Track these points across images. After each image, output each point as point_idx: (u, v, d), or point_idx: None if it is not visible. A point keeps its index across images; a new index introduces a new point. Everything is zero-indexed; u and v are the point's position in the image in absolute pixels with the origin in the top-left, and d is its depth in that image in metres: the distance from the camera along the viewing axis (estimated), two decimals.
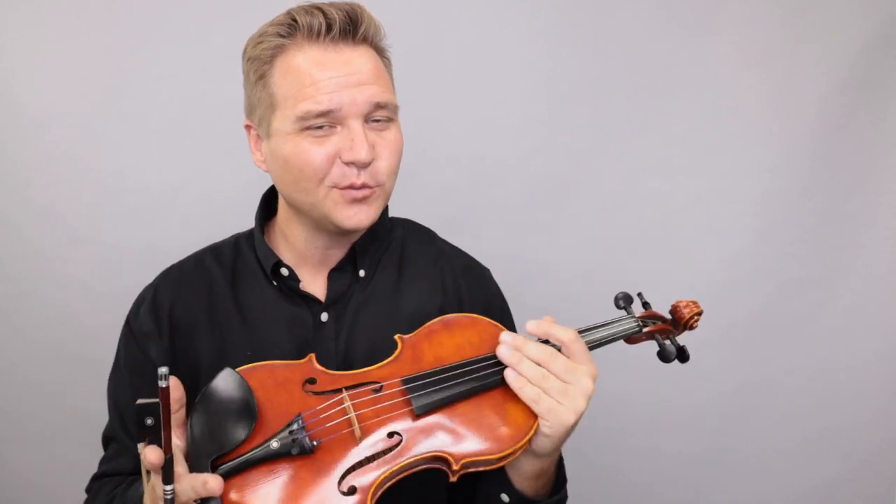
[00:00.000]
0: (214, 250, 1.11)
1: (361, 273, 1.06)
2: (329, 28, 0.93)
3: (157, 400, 0.73)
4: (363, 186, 0.95)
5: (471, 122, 1.77)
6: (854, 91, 1.75)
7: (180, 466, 0.78)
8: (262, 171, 1.04)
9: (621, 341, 1.03)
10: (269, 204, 1.10)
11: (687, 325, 1.06)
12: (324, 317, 1.04)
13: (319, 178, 0.94)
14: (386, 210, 1.11)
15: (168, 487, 0.74)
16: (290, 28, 0.94)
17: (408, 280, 1.09)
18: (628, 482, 1.91)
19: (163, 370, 0.73)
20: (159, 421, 0.74)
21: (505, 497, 0.97)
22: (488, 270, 1.20)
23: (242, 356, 1.00)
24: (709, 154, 1.80)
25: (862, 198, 1.80)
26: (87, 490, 1.09)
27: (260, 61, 0.96)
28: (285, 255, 1.06)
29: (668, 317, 1.07)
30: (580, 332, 0.96)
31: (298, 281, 1.04)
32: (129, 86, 1.67)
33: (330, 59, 0.93)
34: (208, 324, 1.03)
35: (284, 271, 1.03)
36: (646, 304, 1.07)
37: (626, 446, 1.89)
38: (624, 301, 1.04)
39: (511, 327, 1.17)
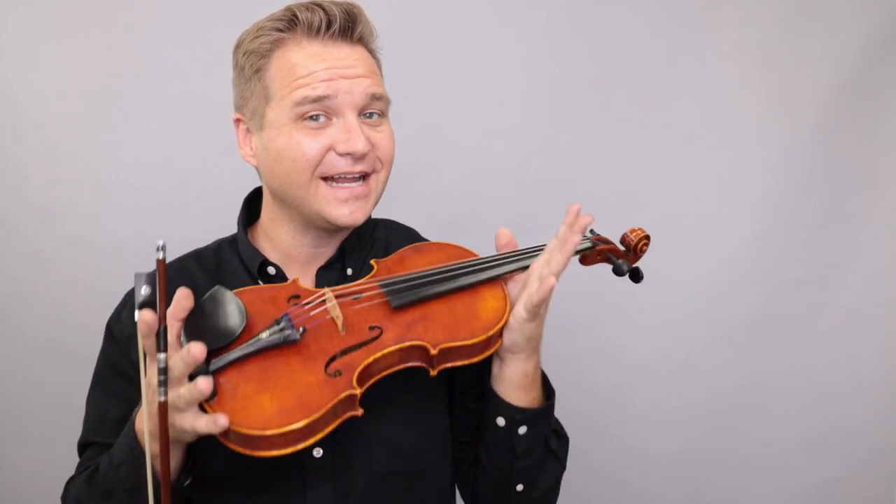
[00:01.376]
0: (197, 256, 1.09)
1: (349, 272, 1.06)
2: (329, 25, 0.94)
3: (154, 269, 0.77)
4: (363, 175, 0.97)
5: (472, 123, 1.77)
6: (854, 91, 1.76)
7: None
8: (253, 169, 1.04)
9: (576, 260, 1.08)
10: (250, 207, 1.09)
11: (636, 249, 1.11)
12: None
13: (312, 170, 0.95)
14: None
15: (161, 355, 0.76)
16: (290, 23, 0.95)
17: None
18: (628, 482, 1.91)
19: (160, 242, 0.77)
20: (155, 289, 0.77)
21: (500, 420, 0.99)
22: None
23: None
24: (708, 154, 1.80)
25: (861, 197, 1.80)
26: (64, 498, 1.08)
27: (257, 55, 0.96)
28: (271, 255, 1.05)
29: (619, 246, 1.13)
30: (537, 248, 1.03)
31: (286, 279, 1.03)
32: (129, 86, 1.68)
33: (328, 53, 0.95)
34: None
35: (271, 270, 1.03)
36: (593, 232, 1.13)
37: (626, 446, 1.89)
38: None
39: None
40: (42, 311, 1.74)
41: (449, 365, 0.90)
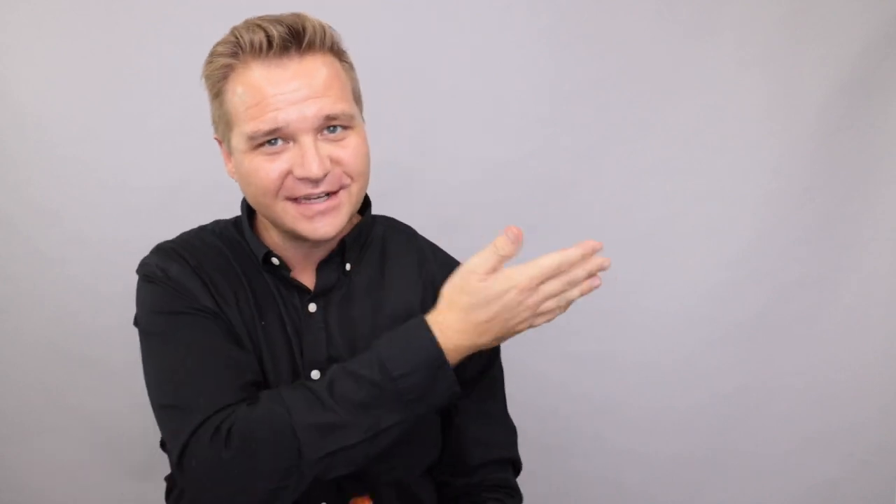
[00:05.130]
0: (212, 231, 1.11)
1: (347, 267, 1.07)
2: (270, 44, 0.92)
3: None
4: (325, 195, 0.96)
5: (472, 123, 1.77)
6: (855, 92, 1.75)
7: None
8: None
9: None
10: None
11: None
12: (312, 307, 1.05)
13: (274, 193, 0.95)
14: (370, 207, 1.12)
15: None
16: (235, 47, 0.94)
17: (390, 277, 1.10)
18: (627, 484, 1.91)
19: None
20: None
21: None
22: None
23: (259, 326, 1.03)
24: (710, 155, 1.80)
25: (863, 198, 1.80)
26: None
27: (212, 80, 0.97)
28: (275, 242, 1.07)
29: None
30: None
31: (289, 270, 1.05)
32: (130, 86, 1.67)
33: (275, 76, 0.92)
34: (232, 288, 1.03)
35: (275, 261, 1.04)
36: None
37: (624, 448, 1.89)
38: None
39: None
40: (42, 312, 1.74)
41: None
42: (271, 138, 0.93)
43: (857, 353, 1.85)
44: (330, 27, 0.97)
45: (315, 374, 1.02)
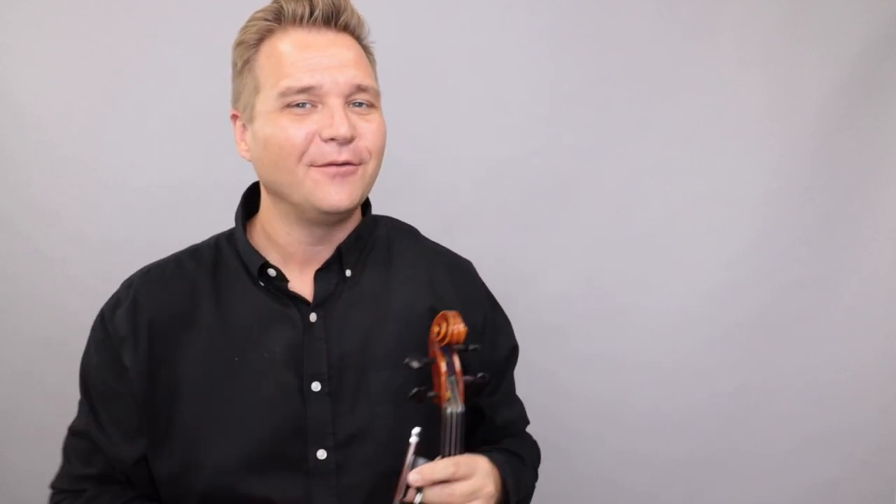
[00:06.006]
0: (194, 253, 1.09)
1: (348, 273, 1.06)
2: (311, 12, 0.97)
3: None
4: (345, 163, 0.96)
5: (473, 122, 1.77)
6: (855, 92, 1.76)
7: None
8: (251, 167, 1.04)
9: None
10: (249, 203, 1.09)
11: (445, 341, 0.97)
12: (312, 317, 1.02)
13: (298, 156, 0.95)
14: (370, 208, 1.11)
15: None
16: (277, 14, 0.98)
17: (397, 279, 1.09)
18: (627, 484, 1.91)
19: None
20: None
21: None
22: (471, 263, 1.21)
23: (229, 362, 1.00)
24: (710, 154, 1.80)
25: (863, 198, 1.80)
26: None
27: (246, 45, 0.99)
28: (270, 254, 1.04)
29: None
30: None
31: (286, 281, 1.03)
32: (130, 85, 1.67)
33: (313, 41, 0.97)
34: (191, 329, 1.01)
35: (272, 272, 1.02)
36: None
37: (624, 448, 1.89)
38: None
39: (501, 315, 1.21)
40: (42, 312, 1.74)
41: None
42: (301, 100, 0.95)
43: (857, 353, 1.85)
44: (366, 23, 1.03)
45: (315, 386, 1.00)
